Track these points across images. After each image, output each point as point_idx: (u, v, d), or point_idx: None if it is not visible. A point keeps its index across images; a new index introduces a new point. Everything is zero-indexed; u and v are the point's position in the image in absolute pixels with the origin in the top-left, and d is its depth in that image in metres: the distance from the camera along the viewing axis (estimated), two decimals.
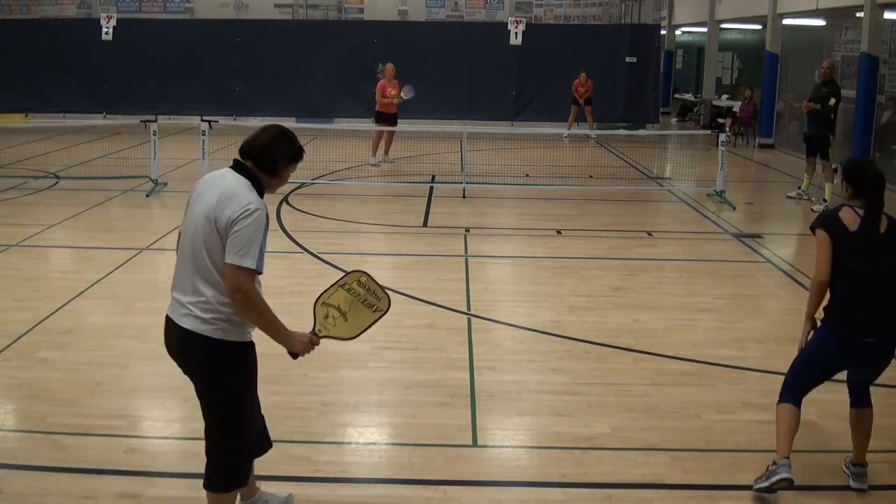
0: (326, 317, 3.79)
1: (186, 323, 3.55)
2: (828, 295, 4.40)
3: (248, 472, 3.88)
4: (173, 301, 3.66)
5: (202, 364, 3.62)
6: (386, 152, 15.32)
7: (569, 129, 19.12)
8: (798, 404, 4.44)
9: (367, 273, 3.88)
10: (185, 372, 3.76)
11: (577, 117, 19.54)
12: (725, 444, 4.94)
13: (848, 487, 4.46)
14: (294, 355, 3.77)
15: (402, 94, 14.78)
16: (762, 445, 4.90)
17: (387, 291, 3.89)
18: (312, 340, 3.73)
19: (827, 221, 4.38)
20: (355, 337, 3.84)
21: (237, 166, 3.60)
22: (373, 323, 3.85)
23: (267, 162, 3.58)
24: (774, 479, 4.28)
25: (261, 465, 4.58)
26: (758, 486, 4.36)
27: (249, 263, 3.39)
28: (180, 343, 3.64)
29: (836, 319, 4.34)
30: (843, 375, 5.91)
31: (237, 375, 3.67)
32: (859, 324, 4.27)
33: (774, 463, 4.35)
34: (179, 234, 3.66)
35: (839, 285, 4.33)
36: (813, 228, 4.43)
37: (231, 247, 3.39)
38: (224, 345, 3.56)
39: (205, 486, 3.83)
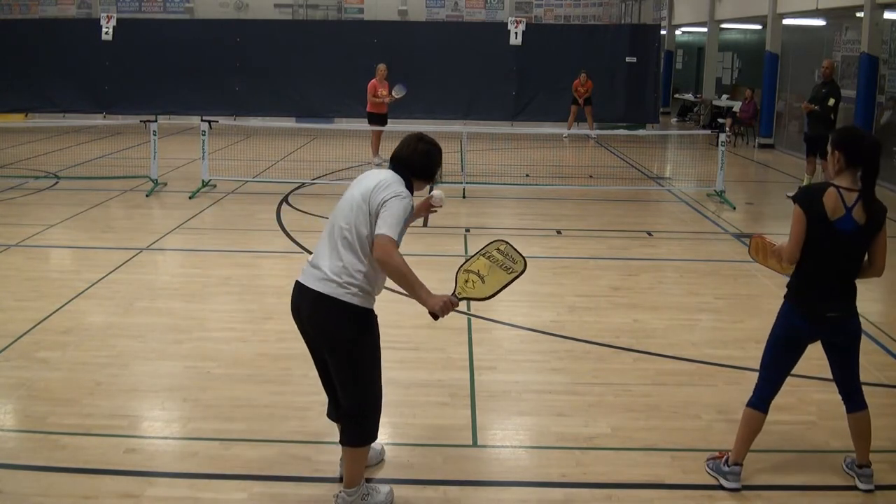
0: (466, 281, 4.10)
1: (323, 287, 3.92)
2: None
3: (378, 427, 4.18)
4: (309, 269, 4.03)
5: (334, 325, 3.94)
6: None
7: (569, 129, 19.10)
8: (766, 410, 4.43)
9: (506, 241, 4.20)
10: (314, 336, 4.04)
11: (577, 117, 19.53)
12: (725, 444, 4.93)
13: (848, 487, 4.46)
14: (435, 316, 4.05)
15: (393, 94, 14.71)
16: (762, 445, 4.89)
17: (523, 255, 4.14)
18: (452, 302, 4.01)
19: (809, 202, 4.21)
20: (492, 296, 4.07)
21: (395, 168, 4.15)
22: (509, 283, 4.07)
23: (424, 171, 4.27)
24: (722, 481, 4.44)
25: (261, 464, 4.59)
26: (707, 465, 4.57)
27: (394, 234, 3.87)
28: (315, 306, 3.95)
29: (798, 297, 4.33)
30: None
31: (369, 337, 4.05)
32: (822, 301, 4.25)
33: (726, 463, 4.46)
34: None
35: (806, 265, 4.28)
36: (794, 200, 4.32)
37: (382, 222, 3.87)
38: (354, 308, 3.93)
39: (346, 442, 4.12)
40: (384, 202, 3.92)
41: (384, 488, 4.28)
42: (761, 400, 4.44)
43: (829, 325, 4.30)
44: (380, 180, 4.02)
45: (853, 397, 4.51)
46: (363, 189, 4.01)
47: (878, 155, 4.15)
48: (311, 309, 3.98)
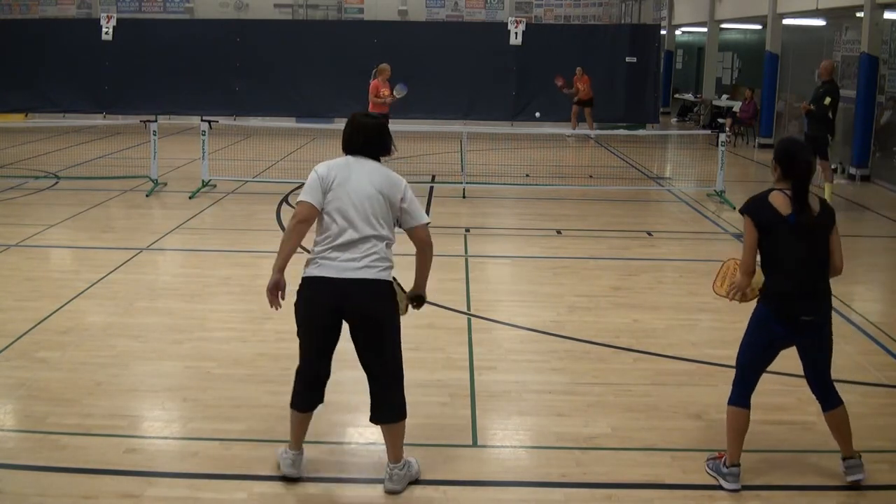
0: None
1: (366, 273, 4.19)
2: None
3: None
4: (340, 263, 4.23)
5: (380, 305, 4.25)
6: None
7: (574, 128, 19.07)
8: (748, 405, 4.48)
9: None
10: (358, 319, 4.28)
11: (579, 117, 19.46)
12: (725, 444, 4.93)
13: (848, 487, 4.45)
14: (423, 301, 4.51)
15: (394, 94, 14.67)
16: (762, 445, 4.90)
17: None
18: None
19: (757, 209, 4.34)
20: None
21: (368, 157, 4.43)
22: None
23: (384, 149, 4.47)
24: (721, 482, 4.44)
25: (261, 464, 4.59)
26: (707, 465, 4.57)
27: (427, 219, 4.37)
28: (360, 291, 4.19)
29: (773, 302, 4.38)
30: (842, 375, 5.93)
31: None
32: (796, 305, 4.30)
33: (726, 465, 4.46)
34: (325, 212, 4.28)
35: (775, 269, 4.36)
36: (742, 213, 4.41)
37: (412, 214, 4.30)
38: (390, 285, 4.29)
39: (383, 419, 4.38)
40: (402, 199, 4.29)
41: (414, 460, 4.51)
42: (742, 397, 4.49)
43: (806, 330, 4.36)
44: (383, 178, 4.34)
45: (829, 396, 4.53)
46: (373, 186, 4.28)
47: (807, 176, 4.29)
48: (357, 296, 4.22)
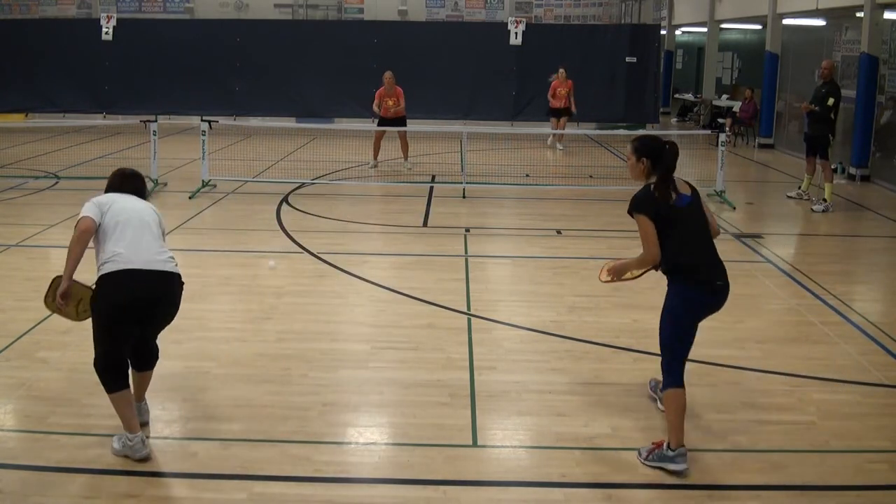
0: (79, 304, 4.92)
1: (170, 267, 4.84)
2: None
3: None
4: (148, 259, 4.76)
5: (178, 296, 4.92)
6: (405, 157, 15.09)
7: (560, 134, 17.69)
8: (682, 385, 4.72)
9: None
10: (159, 306, 4.81)
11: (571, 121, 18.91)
12: (725, 444, 4.94)
13: (848, 487, 4.46)
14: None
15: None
16: (762, 445, 4.90)
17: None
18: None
19: (647, 205, 4.72)
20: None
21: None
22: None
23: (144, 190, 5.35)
24: (670, 467, 4.58)
25: (260, 464, 4.59)
26: (648, 459, 4.65)
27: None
28: (167, 284, 4.82)
29: (689, 276, 4.73)
30: (842, 375, 5.93)
31: None
32: (709, 272, 4.74)
33: (670, 448, 4.59)
34: (115, 222, 4.83)
35: (680, 249, 4.72)
36: (632, 213, 4.77)
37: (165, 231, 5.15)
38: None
39: (149, 367, 5.04)
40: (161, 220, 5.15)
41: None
42: (681, 378, 4.73)
43: (720, 294, 4.78)
44: (146, 206, 5.15)
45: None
46: (144, 208, 5.09)
47: (675, 164, 4.76)
48: (164, 286, 4.82)
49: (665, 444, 4.60)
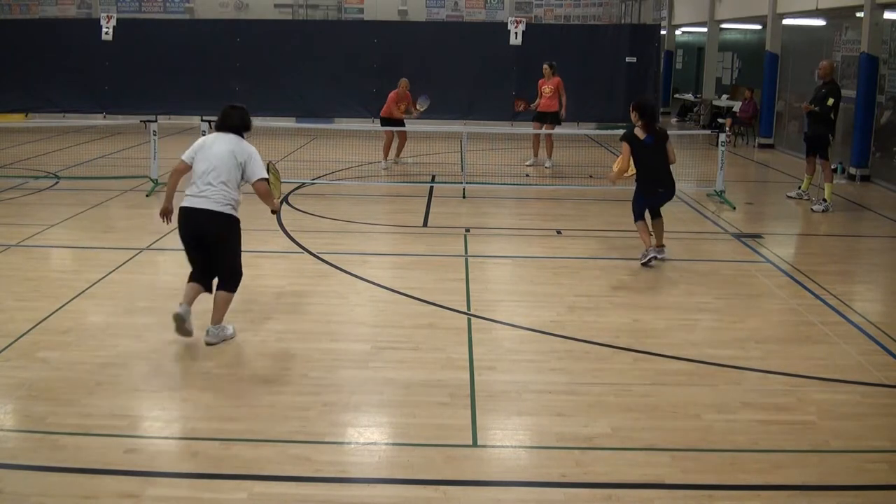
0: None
1: (217, 207, 6.17)
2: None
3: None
4: (198, 197, 6.17)
5: (223, 232, 6.29)
6: (398, 154, 15.30)
7: (535, 156, 15.47)
8: (644, 218, 8.74)
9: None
10: (206, 240, 6.24)
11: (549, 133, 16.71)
12: (725, 444, 4.94)
13: (848, 487, 4.46)
14: (275, 211, 6.64)
15: (418, 107, 14.93)
16: (762, 445, 4.90)
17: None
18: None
19: (630, 137, 8.59)
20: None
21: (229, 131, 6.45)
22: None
23: (246, 126, 6.59)
24: (648, 257, 8.54)
25: (260, 464, 4.59)
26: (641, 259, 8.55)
27: (264, 175, 6.39)
28: (211, 221, 6.17)
29: (643, 184, 8.73)
30: (842, 375, 5.95)
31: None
32: (653, 183, 8.70)
33: (647, 251, 8.57)
34: (197, 165, 6.31)
35: (641, 167, 8.62)
36: (622, 140, 8.61)
37: (253, 170, 6.35)
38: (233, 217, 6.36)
39: (229, 289, 6.45)
40: (248, 158, 6.30)
41: (230, 326, 6.47)
42: (640, 216, 8.86)
43: (661, 196, 8.79)
44: (234, 144, 6.33)
45: (655, 212, 8.93)
46: (227, 148, 6.28)
47: (652, 108, 8.77)
48: (211, 223, 6.18)
49: (644, 251, 8.59)
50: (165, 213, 6.40)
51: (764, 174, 15.88)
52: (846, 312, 7.32)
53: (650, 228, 8.73)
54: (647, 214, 8.84)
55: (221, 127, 6.41)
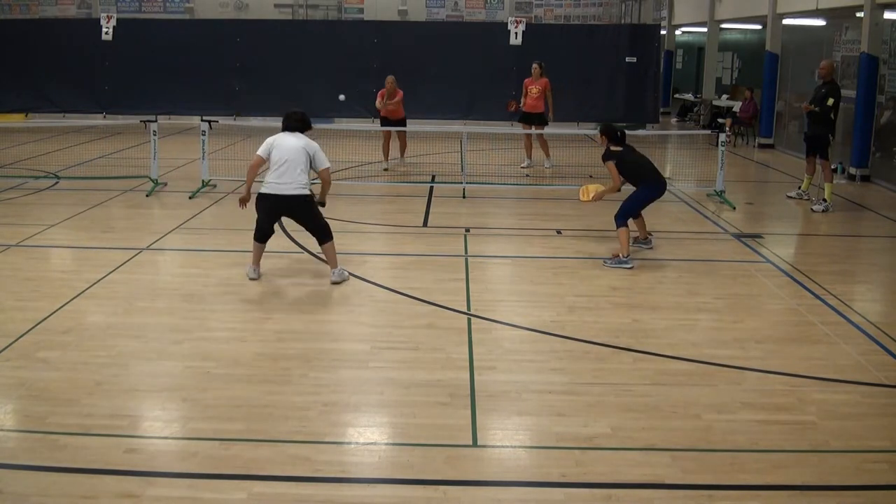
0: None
1: (294, 191, 7.68)
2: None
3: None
4: (280, 184, 7.67)
5: (303, 209, 7.82)
6: (401, 154, 15.30)
7: (528, 157, 15.33)
8: (626, 225, 8.77)
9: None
10: (290, 214, 7.95)
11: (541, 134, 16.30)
12: (725, 444, 4.94)
13: (848, 487, 4.46)
14: (323, 204, 8.08)
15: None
16: (762, 445, 4.90)
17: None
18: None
19: (610, 155, 8.98)
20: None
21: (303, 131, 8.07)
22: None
23: (308, 125, 8.11)
24: (625, 266, 8.54)
25: (260, 464, 4.59)
26: (609, 264, 8.63)
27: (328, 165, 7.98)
28: (289, 203, 7.73)
29: (648, 183, 9.06)
30: (841, 375, 5.95)
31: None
32: (656, 176, 9.08)
33: (626, 257, 8.60)
34: (269, 158, 7.78)
35: (637, 172, 9.02)
36: (605, 160, 9.03)
37: (321, 160, 7.87)
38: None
39: (322, 242, 7.99)
40: (315, 151, 7.85)
41: (345, 270, 8.02)
42: (624, 222, 8.81)
43: (662, 187, 9.14)
44: (306, 141, 7.91)
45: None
46: (298, 144, 7.80)
47: (617, 128, 9.14)
48: (289, 204, 7.76)
49: (621, 255, 8.58)
50: (244, 202, 7.92)
51: (764, 174, 15.88)
52: (846, 312, 7.32)
53: (627, 233, 8.88)
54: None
55: (287, 127, 7.92)
